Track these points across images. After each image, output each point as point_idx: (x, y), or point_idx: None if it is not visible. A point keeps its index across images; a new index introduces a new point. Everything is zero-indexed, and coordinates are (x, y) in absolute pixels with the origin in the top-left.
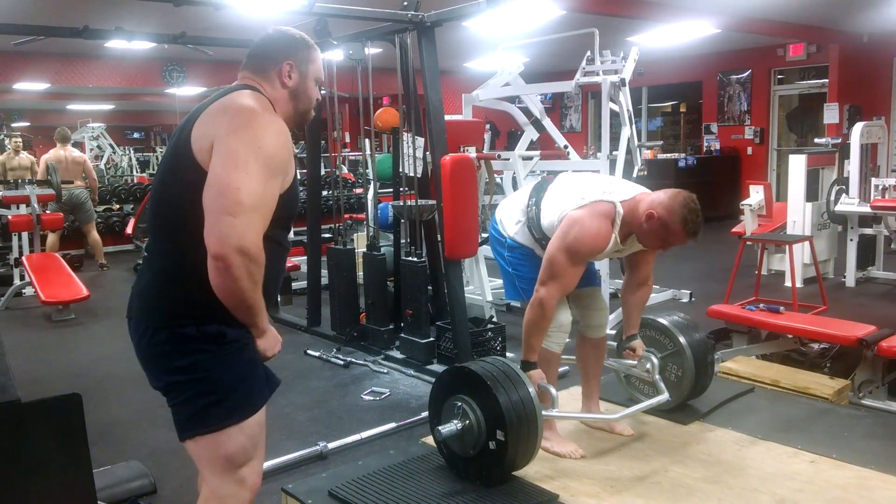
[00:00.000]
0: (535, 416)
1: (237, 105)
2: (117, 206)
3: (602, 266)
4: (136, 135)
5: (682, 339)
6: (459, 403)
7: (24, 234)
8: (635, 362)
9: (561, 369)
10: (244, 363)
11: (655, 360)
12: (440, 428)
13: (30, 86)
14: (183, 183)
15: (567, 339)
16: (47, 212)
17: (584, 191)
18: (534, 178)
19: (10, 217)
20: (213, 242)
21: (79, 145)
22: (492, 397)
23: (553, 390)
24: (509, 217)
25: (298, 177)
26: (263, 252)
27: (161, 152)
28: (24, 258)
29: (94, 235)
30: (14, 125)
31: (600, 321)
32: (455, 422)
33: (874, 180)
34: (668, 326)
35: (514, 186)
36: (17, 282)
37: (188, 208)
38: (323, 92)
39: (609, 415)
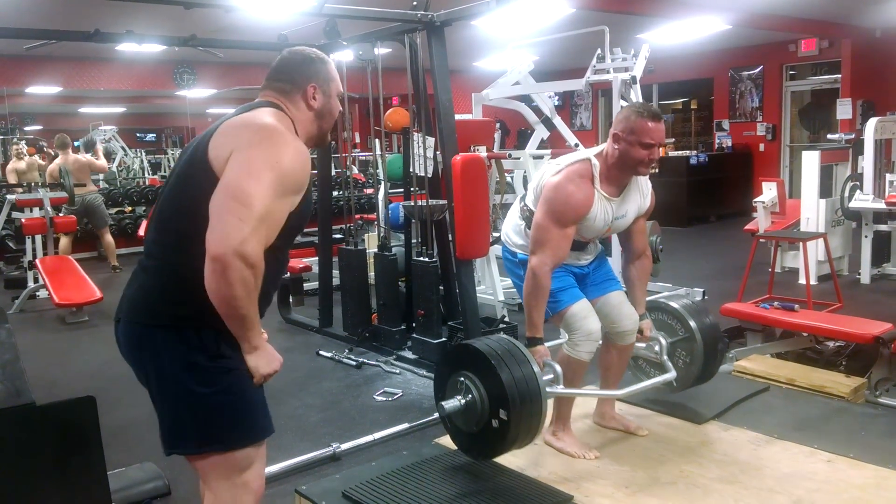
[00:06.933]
0: (539, 394)
1: (261, 121)
2: (129, 209)
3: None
4: (148, 137)
5: (692, 324)
6: (463, 379)
7: (38, 237)
8: (643, 345)
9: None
10: (241, 386)
11: (664, 342)
12: (443, 403)
13: (42, 89)
14: (197, 190)
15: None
16: (60, 215)
17: (558, 162)
18: None
19: (23, 220)
20: (213, 242)
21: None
22: (495, 375)
23: (558, 367)
24: (511, 226)
25: (312, 192)
26: (263, 262)
27: (173, 154)
28: (37, 261)
29: (108, 238)
30: (26, 129)
31: (627, 328)
32: (458, 398)
33: (889, 176)
34: (679, 310)
35: (525, 185)
36: (30, 284)
37: (199, 215)
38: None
39: (614, 391)
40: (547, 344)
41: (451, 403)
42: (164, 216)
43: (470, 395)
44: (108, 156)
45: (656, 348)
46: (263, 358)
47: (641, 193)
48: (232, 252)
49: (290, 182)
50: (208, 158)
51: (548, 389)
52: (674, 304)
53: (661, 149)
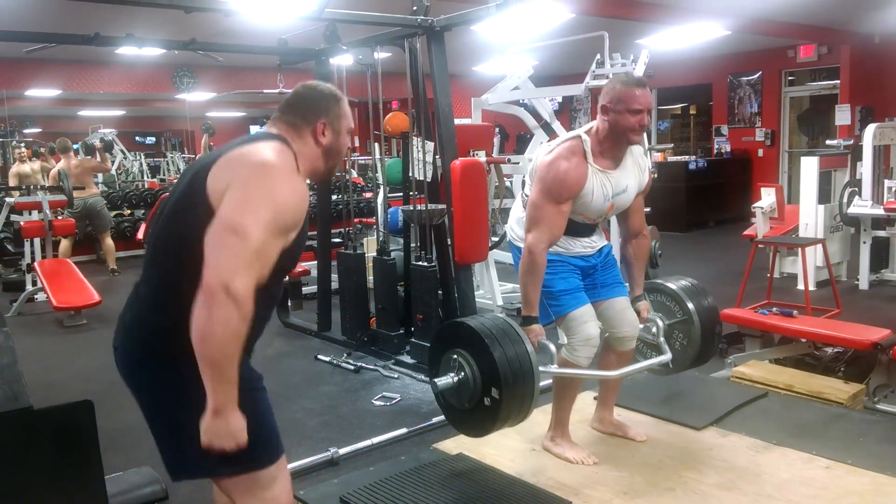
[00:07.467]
0: (532, 373)
1: (259, 157)
2: (128, 212)
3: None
4: (147, 140)
5: (690, 306)
6: (456, 357)
7: (37, 240)
8: (641, 326)
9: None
10: (261, 410)
11: (661, 323)
12: (436, 380)
13: (41, 92)
14: (193, 222)
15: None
16: (59, 218)
17: (550, 144)
18: None
19: (22, 223)
20: (207, 274)
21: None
22: (487, 353)
23: (552, 347)
24: (515, 220)
25: (307, 228)
26: (251, 303)
27: (172, 158)
28: (36, 264)
29: (109, 242)
30: (26, 131)
31: (627, 334)
32: (451, 375)
33: (887, 182)
34: (677, 292)
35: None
36: (29, 287)
37: (192, 247)
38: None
39: (610, 371)
40: (542, 322)
41: (444, 381)
42: (159, 245)
43: (463, 373)
44: (109, 148)
45: (653, 330)
46: (222, 427)
47: (640, 168)
48: (222, 285)
49: (286, 220)
50: (206, 192)
51: (541, 369)
52: (672, 286)
53: (649, 116)
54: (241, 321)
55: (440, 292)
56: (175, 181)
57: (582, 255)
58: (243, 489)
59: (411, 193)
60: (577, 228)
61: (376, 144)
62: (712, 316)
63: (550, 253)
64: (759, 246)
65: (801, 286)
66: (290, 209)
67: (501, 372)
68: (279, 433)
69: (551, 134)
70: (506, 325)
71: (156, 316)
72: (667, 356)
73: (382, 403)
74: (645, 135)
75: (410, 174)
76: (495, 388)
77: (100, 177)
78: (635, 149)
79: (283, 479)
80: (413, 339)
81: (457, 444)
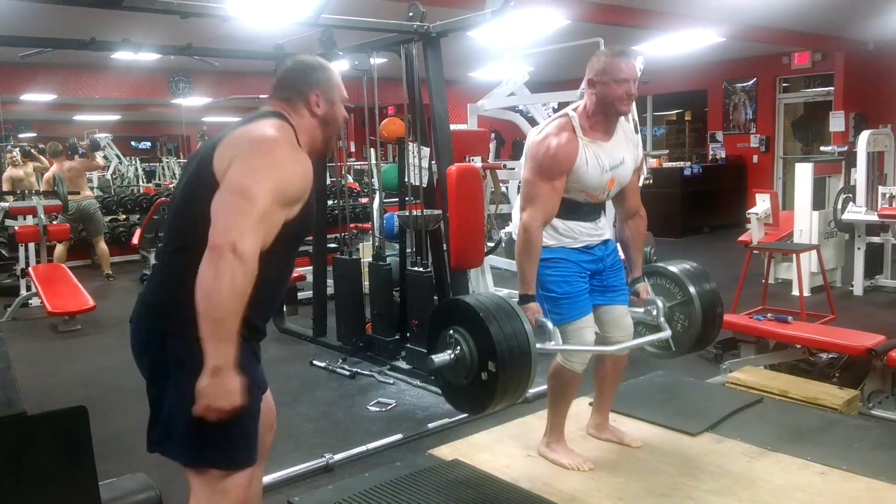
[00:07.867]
0: (528, 349)
1: (261, 133)
2: (123, 217)
3: None
4: (142, 145)
5: (691, 288)
6: (452, 332)
7: (31, 245)
8: (641, 309)
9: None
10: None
11: (661, 304)
12: (433, 357)
13: (37, 97)
14: (204, 202)
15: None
16: (54, 223)
17: (539, 127)
18: None
19: (16, 228)
20: (213, 234)
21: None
22: (484, 329)
23: (550, 324)
24: (517, 215)
25: (313, 200)
26: (256, 264)
27: (167, 162)
28: (30, 269)
29: (103, 246)
30: (21, 136)
31: (622, 338)
32: (448, 351)
33: (881, 188)
34: (678, 275)
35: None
36: (23, 292)
37: (205, 222)
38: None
39: (608, 347)
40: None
41: (441, 357)
42: (173, 227)
43: (459, 348)
44: (95, 147)
45: (654, 312)
46: (220, 388)
47: (632, 142)
48: (229, 244)
49: (289, 191)
50: (213, 171)
51: (538, 346)
52: (672, 269)
53: (636, 85)
54: (245, 279)
55: (436, 298)
56: (173, 184)
57: (587, 245)
58: (200, 478)
59: (407, 199)
60: (582, 210)
61: (372, 150)
62: (713, 297)
63: (555, 250)
64: (754, 252)
65: (795, 292)
66: (294, 179)
67: (497, 345)
68: (253, 446)
69: None
70: (502, 301)
71: (175, 294)
72: (666, 332)
73: (378, 409)
74: (640, 141)
75: (406, 179)
76: (492, 361)
77: (94, 180)
78: (625, 125)
79: (244, 478)
80: (409, 345)
81: (452, 451)
